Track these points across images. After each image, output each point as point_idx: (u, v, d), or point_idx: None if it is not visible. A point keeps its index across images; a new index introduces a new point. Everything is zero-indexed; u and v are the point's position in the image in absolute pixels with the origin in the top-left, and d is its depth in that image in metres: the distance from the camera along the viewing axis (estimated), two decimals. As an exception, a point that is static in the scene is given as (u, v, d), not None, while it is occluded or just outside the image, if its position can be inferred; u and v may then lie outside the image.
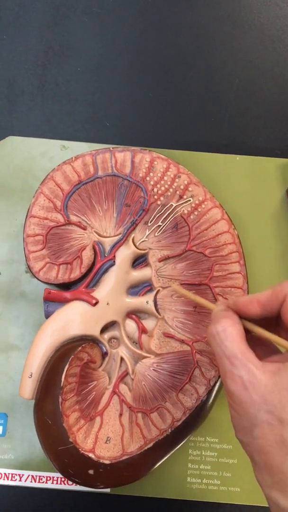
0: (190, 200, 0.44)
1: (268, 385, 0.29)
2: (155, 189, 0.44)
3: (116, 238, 0.44)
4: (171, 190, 0.44)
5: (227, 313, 0.33)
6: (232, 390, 0.30)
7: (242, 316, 0.33)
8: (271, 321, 0.33)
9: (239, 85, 0.52)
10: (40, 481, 0.44)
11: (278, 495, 0.29)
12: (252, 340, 0.34)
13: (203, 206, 0.44)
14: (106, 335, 0.43)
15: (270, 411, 0.29)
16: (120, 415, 0.41)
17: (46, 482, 0.44)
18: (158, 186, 0.44)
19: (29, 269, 0.43)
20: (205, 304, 0.37)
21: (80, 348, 0.41)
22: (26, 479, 0.44)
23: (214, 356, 0.32)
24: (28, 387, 0.41)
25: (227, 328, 0.31)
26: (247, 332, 0.33)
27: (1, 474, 0.44)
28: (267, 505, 0.45)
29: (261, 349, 0.34)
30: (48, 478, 0.44)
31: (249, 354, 0.30)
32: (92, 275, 0.43)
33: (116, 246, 0.44)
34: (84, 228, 0.44)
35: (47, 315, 0.43)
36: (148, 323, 0.44)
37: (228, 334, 0.31)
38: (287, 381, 0.29)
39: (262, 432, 0.29)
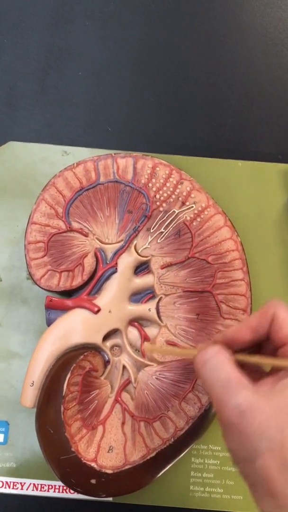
0: (192, 206, 0.44)
1: (265, 411, 0.28)
2: (158, 196, 0.44)
3: (118, 245, 0.44)
4: (173, 196, 0.44)
5: (212, 344, 0.32)
6: (229, 419, 0.29)
7: (233, 348, 0.32)
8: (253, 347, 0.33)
9: (241, 90, 0.52)
10: (42, 489, 0.44)
11: None
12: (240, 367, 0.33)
13: (205, 212, 0.44)
14: (108, 343, 0.43)
15: (270, 437, 0.27)
16: (123, 424, 0.41)
17: (48, 491, 0.44)
18: (161, 192, 0.44)
19: (31, 276, 0.43)
20: (185, 353, 0.38)
21: (82, 356, 0.40)
22: (28, 487, 0.44)
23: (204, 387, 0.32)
24: (30, 396, 0.41)
25: (216, 354, 0.31)
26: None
27: (3, 482, 0.44)
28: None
29: (249, 373, 0.32)
30: (50, 487, 0.44)
31: (243, 379, 0.29)
32: (94, 283, 0.43)
33: (118, 253, 0.44)
34: (86, 235, 0.44)
35: (49, 322, 0.42)
36: (151, 331, 0.43)
37: (220, 359, 0.30)
38: (283, 403, 0.28)
39: (265, 461, 0.28)
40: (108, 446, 0.40)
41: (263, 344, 0.33)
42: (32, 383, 0.41)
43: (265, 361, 0.32)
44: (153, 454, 0.40)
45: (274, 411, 0.28)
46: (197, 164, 0.49)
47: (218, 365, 0.30)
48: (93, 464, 0.39)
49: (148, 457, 0.40)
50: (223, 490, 0.44)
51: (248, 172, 0.49)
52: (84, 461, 0.39)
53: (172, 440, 0.40)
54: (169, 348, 0.40)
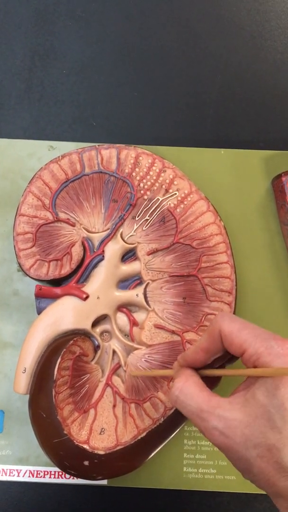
0: (176, 193, 0.45)
1: (243, 421, 0.29)
2: (141, 184, 0.45)
3: (105, 233, 0.45)
4: (157, 184, 0.45)
5: (179, 372, 0.34)
6: (215, 442, 0.30)
7: (197, 367, 0.34)
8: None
9: (222, 81, 0.53)
10: (38, 475, 0.45)
11: None
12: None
13: (188, 199, 0.45)
14: (98, 329, 0.44)
15: (256, 444, 0.29)
16: (114, 406, 0.42)
17: (44, 477, 0.45)
18: (144, 181, 0.45)
19: (20, 266, 0.44)
20: (163, 373, 0.40)
21: (72, 341, 0.41)
22: (24, 474, 0.45)
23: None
24: (22, 382, 0.41)
25: (182, 386, 0.32)
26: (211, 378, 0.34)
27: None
28: (263, 492, 0.45)
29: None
30: (46, 473, 0.45)
31: (213, 400, 0.31)
32: (82, 271, 0.44)
33: (104, 241, 0.45)
34: (73, 225, 0.45)
35: (39, 311, 0.43)
36: (139, 316, 0.44)
37: (186, 392, 0.32)
38: (257, 408, 0.29)
39: (260, 468, 0.29)
40: (100, 428, 0.41)
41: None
42: (24, 370, 0.42)
43: (227, 373, 0.33)
44: (144, 434, 0.41)
45: (252, 419, 0.29)
46: (180, 153, 0.50)
47: (188, 396, 0.31)
48: (85, 446, 0.40)
49: (139, 438, 0.41)
50: (216, 470, 0.45)
51: (230, 159, 0.50)
52: (77, 443, 0.40)
53: (162, 419, 0.41)
54: (148, 371, 0.42)
